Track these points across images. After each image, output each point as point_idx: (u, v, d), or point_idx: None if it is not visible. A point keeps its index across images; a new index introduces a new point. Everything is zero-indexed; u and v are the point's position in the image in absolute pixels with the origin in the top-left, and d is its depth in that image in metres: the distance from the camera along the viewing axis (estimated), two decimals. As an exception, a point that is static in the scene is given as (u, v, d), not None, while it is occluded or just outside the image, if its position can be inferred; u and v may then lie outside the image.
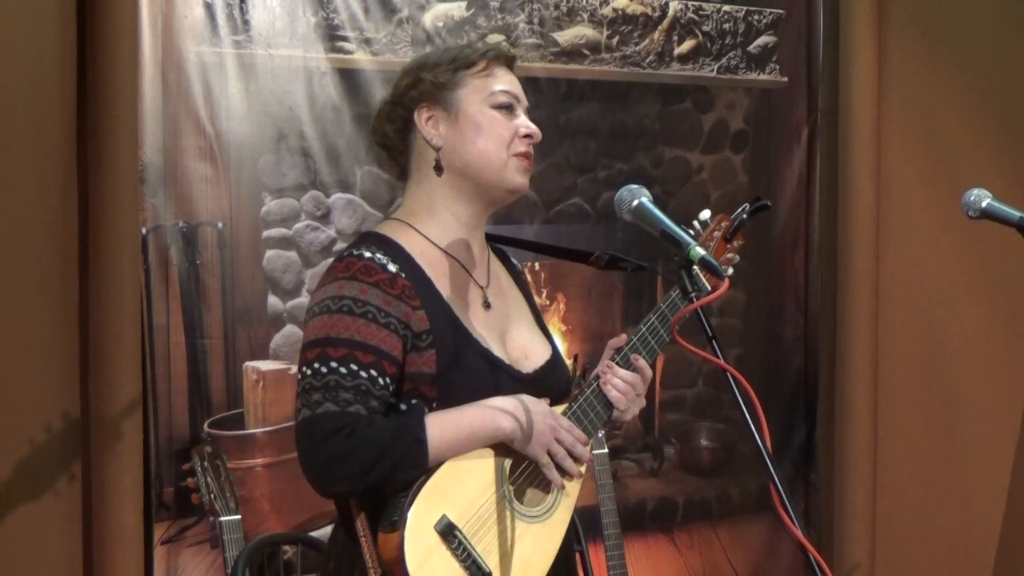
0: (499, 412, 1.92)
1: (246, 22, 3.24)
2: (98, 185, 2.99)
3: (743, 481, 3.98)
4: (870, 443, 3.93)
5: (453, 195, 2.03)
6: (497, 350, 2.00)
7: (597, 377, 2.03)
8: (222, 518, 2.96)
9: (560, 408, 2.00)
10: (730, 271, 2.17)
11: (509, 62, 2.08)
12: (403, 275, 1.93)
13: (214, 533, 3.11)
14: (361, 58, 3.39)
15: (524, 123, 2.03)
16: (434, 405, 1.93)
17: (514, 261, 2.22)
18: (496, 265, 2.14)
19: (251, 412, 3.26)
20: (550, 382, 2.05)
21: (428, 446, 1.87)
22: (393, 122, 2.06)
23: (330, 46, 3.34)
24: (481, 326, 2.01)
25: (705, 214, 2.16)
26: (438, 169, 2.02)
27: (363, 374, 1.88)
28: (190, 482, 3.06)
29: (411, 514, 1.86)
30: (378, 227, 2.05)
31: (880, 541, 3.96)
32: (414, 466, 1.87)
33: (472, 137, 2.00)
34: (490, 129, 2.00)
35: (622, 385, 2.00)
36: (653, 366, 2.06)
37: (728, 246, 2.15)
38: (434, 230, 2.03)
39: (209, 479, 3.01)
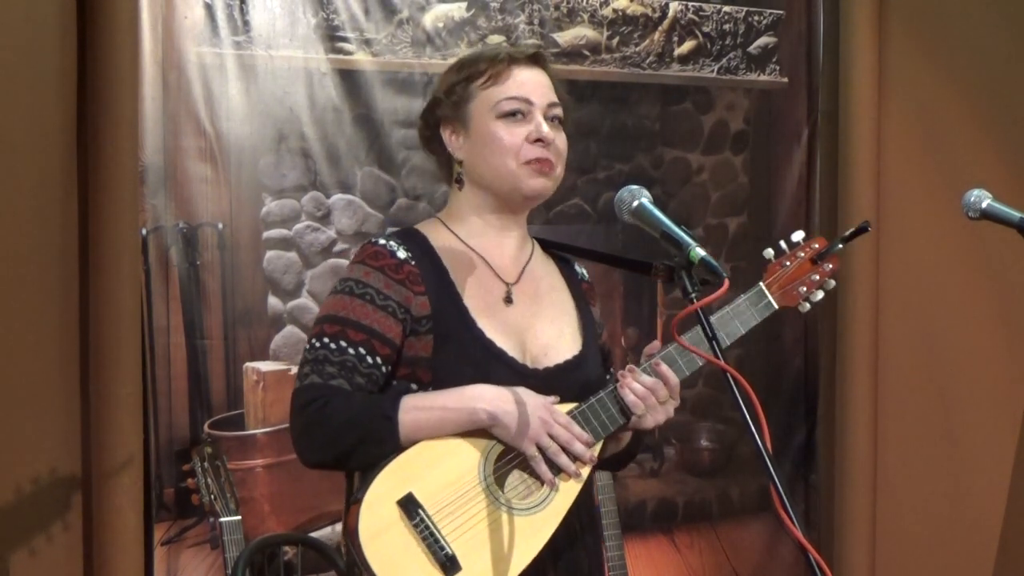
0: (477, 398, 1.92)
1: (246, 23, 3.24)
2: (98, 186, 2.99)
3: (743, 482, 3.98)
4: (870, 443, 3.93)
5: (477, 203, 2.08)
6: (505, 343, 2.01)
7: (616, 380, 2.01)
8: (222, 519, 2.96)
9: (569, 406, 1.99)
10: (819, 295, 2.13)
11: (530, 61, 2.08)
12: (413, 262, 2.00)
13: (214, 534, 3.11)
14: (361, 59, 3.39)
15: (535, 128, 2.03)
16: (429, 389, 1.96)
17: (578, 269, 2.22)
18: (541, 268, 2.15)
19: (251, 413, 3.26)
20: (566, 381, 2.03)
21: (398, 424, 1.90)
22: (427, 138, 2.13)
23: (330, 47, 3.34)
24: (493, 319, 2.02)
25: (797, 235, 2.13)
26: (459, 182, 2.08)
27: (351, 351, 1.94)
28: (190, 483, 3.06)
29: (373, 486, 1.87)
30: (418, 224, 2.13)
31: (880, 541, 3.96)
32: (382, 442, 1.90)
33: (482, 151, 2.04)
34: (496, 142, 2.03)
35: (640, 390, 1.98)
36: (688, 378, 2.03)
37: (816, 267, 2.11)
38: (463, 230, 2.08)
39: (209, 480, 3.01)
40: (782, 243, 2.13)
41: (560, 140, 2.07)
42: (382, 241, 2.02)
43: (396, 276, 1.98)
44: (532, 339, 2.05)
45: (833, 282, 2.14)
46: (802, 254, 2.12)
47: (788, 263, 2.11)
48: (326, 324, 1.97)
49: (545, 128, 2.03)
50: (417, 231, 2.08)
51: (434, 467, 1.91)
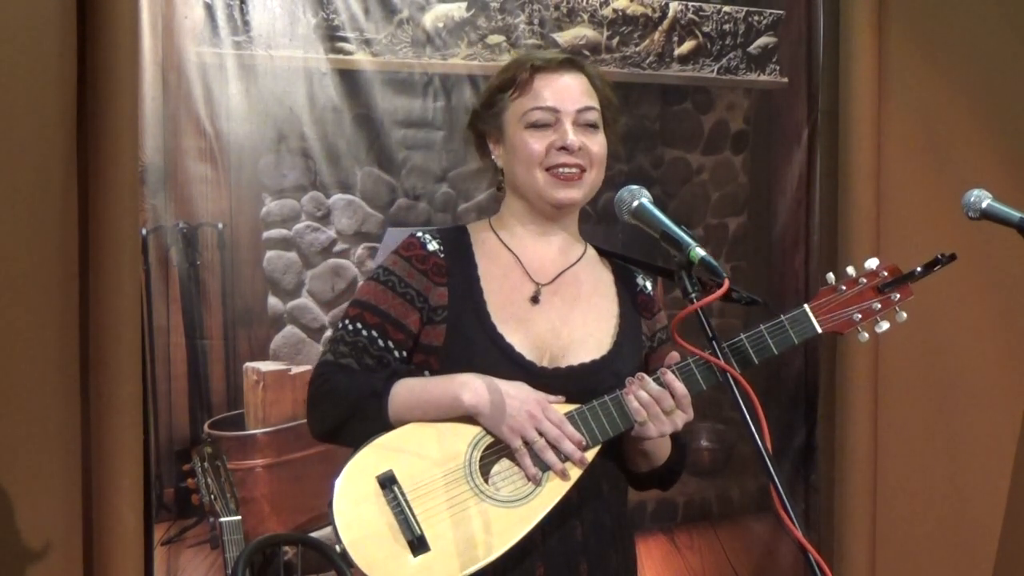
0: (462, 385, 1.95)
1: (246, 23, 3.24)
2: (98, 186, 2.99)
3: (743, 482, 3.98)
4: (870, 443, 3.93)
5: (517, 210, 2.13)
6: (518, 340, 2.02)
7: (623, 385, 2.00)
8: (222, 519, 2.96)
9: (570, 407, 1.98)
10: (884, 326, 2.02)
11: (562, 67, 2.10)
12: (441, 255, 2.07)
13: (214, 534, 3.11)
14: (361, 59, 3.39)
15: (559, 136, 2.05)
16: None
17: (640, 281, 2.20)
18: (589, 273, 2.15)
19: (251, 413, 3.26)
20: (582, 383, 2.03)
21: (387, 403, 1.96)
22: (478, 147, 2.18)
23: (330, 47, 3.34)
24: (512, 316, 2.04)
25: (871, 262, 2.04)
26: (500, 189, 2.14)
27: (364, 333, 2.03)
28: (190, 483, 3.06)
29: (354, 459, 1.92)
30: (471, 223, 2.20)
31: (880, 541, 3.96)
32: (371, 419, 1.96)
33: (512, 159, 2.09)
34: (522, 150, 2.07)
35: (645, 397, 1.96)
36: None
37: (880, 296, 2.02)
38: (505, 233, 2.13)
39: (209, 480, 3.01)
40: (849, 268, 2.05)
41: (594, 143, 2.07)
42: (419, 234, 2.10)
43: (421, 266, 2.05)
44: (554, 339, 2.06)
45: (904, 314, 2.03)
46: (864, 280, 2.03)
47: (845, 288, 2.03)
48: (351, 307, 2.07)
49: (570, 136, 2.04)
50: (463, 228, 2.16)
51: (420, 448, 1.94)
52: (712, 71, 3.91)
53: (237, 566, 2.80)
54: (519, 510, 1.95)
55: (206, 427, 3.21)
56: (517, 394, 1.95)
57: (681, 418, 1.99)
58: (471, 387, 1.95)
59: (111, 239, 2.99)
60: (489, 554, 1.92)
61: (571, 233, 2.16)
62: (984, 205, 2.18)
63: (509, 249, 2.11)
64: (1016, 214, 2.16)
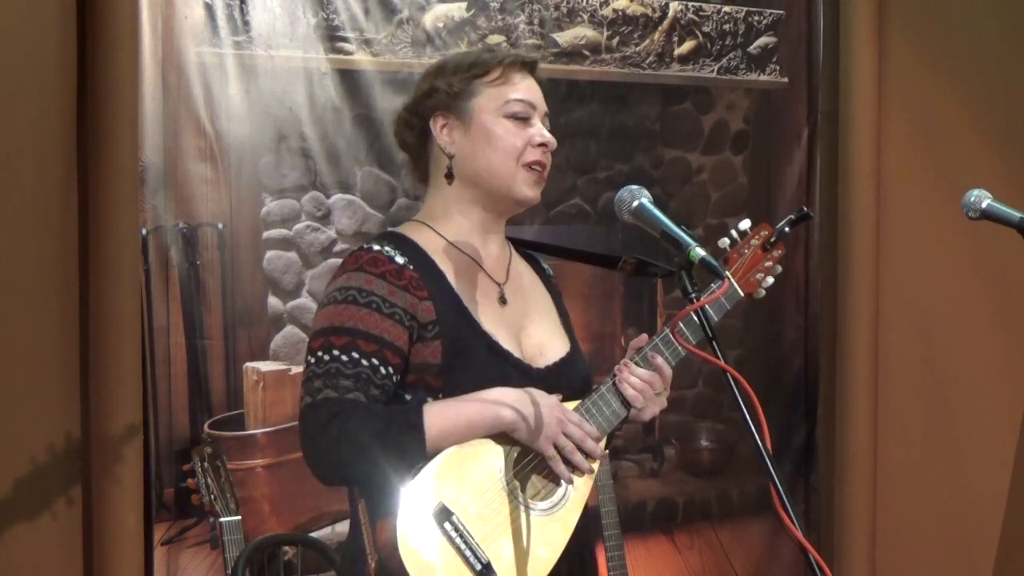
0: (500, 403, 1.92)
1: (246, 23, 3.24)
2: (98, 186, 2.99)
3: (743, 482, 3.98)
4: (870, 443, 3.93)
5: (466, 201, 2.06)
6: (508, 344, 2.01)
7: (614, 375, 2.02)
8: (222, 519, 2.96)
9: (572, 404, 2.00)
10: (770, 281, 2.17)
11: (529, 68, 2.09)
12: (411, 267, 1.96)
13: (214, 534, 3.11)
14: (361, 59, 3.39)
15: (539, 132, 2.05)
16: (440, 396, 1.95)
17: (544, 266, 2.24)
18: (521, 266, 2.16)
19: (251, 413, 3.26)
20: (564, 379, 2.05)
21: (425, 434, 1.88)
22: (412, 129, 2.09)
23: (330, 47, 3.34)
24: (494, 320, 2.02)
25: (745, 223, 2.16)
26: (449, 177, 2.05)
27: (364, 362, 1.90)
28: (190, 483, 3.06)
29: (404, 499, 1.87)
30: (397, 228, 2.09)
31: (880, 541, 3.96)
32: (410, 453, 1.88)
33: (483, 147, 2.03)
34: (501, 139, 2.02)
35: (639, 383, 2.00)
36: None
37: (767, 255, 2.15)
38: (450, 230, 2.06)
39: (209, 480, 3.01)
40: (733, 232, 2.16)
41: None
42: (376, 247, 1.98)
43: (398, 282, 1.95)
44: (527, 338, 2.07)
45: (780, 268, 2.18)
46: (755, 241, 2.16)
47: (745, 251, 2.15)
48: (333, 336, 1.91)
49: (547, 133, 2.05)
50: (403, 235, 2.04)
51: (461, 475, 1.91)
52: (712, 71, 3.91)
53: (237, 566, 2.80)
54: (559, 514, 1.97)
55: (206, 427, 3.21)
56: (541, 401, 1.95)
57: (665, 396, 2.05)
58: (508, 403, 1.92)
59: (111, 239, 2.99)
60: (549, 564, 1.93)
61: (504, 230, 2.14)
62: (984, 205, 2.20)
63: (462, 251, 2.05)
64: (1016, 214, 2.17)
